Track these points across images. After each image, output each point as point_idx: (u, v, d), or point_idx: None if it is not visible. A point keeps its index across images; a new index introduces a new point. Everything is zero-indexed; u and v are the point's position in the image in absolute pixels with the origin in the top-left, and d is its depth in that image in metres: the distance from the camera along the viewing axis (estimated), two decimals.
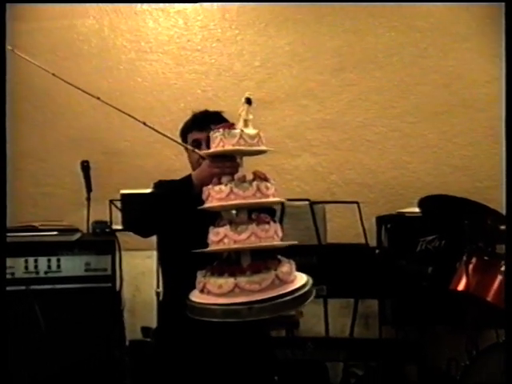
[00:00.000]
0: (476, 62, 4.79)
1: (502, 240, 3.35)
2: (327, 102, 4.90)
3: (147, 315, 4.42)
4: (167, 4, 4.97)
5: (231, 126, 2.05)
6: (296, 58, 4.90)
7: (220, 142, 2.04)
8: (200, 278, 2.07)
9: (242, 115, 2.06)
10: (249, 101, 2.07)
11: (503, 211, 3.36)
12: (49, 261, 3.85)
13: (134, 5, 4.95)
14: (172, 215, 2.24)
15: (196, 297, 2.06)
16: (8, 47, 2.55)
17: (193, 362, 2.36)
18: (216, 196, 2.02)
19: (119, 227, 3.98)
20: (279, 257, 2.14)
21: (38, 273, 3.83)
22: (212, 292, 2.00)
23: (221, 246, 2.01)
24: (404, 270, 3.96)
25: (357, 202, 3.99)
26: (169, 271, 2.56)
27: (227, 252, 2.11)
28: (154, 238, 4.04)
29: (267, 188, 2.03)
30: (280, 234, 2.06)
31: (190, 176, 2.25)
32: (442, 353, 4.16)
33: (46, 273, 3.85)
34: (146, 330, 4.16)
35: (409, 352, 3.86)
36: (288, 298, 1.98)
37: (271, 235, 2.01)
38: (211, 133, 2.09)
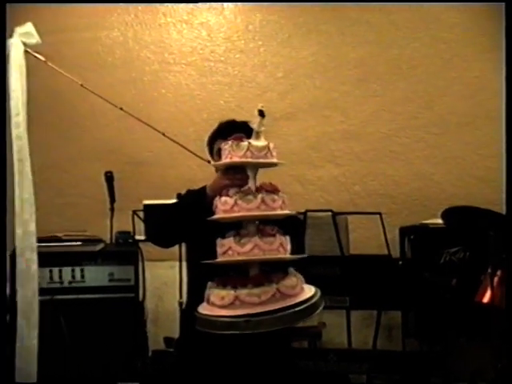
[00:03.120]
0: (500, 72, 4.62)
1: None
2: (350, 113, 4.89)
3: (170, 325, 4.38)
4: (191, 15, 5.02)
5: (240, 138, 2.05)
6: (319, 68, 4.93)
7: (228, 154, 2.05)
8: (207, 289, 2.09)
9: (254, 128, 2.06)
10: (261, 113, 2.05)
11: None
12: (73, 271, 3.89)
13: (157, 16, 5.01)
14: (186, 225, 2.26)
15: (202, 308, 2.08)
16: (40, 57, 2.57)
17: (213, 372, 2.35)
18: (221, 208, 2.04)
19: (142, 237, 4.00)
20: (290, 269, 2.11)
21: (62, 283, 3.88)
22: (215, 304, 2.01)
23: (225, 258, 2.01)
24: (427, 282, 3.95)
25: (379, 213, 3.99)
26: (189, 281, 2.60)
27: (229, 264, 2.11)
28: (176, 249, 4.21)
29: (273, 200, 2.02)
30: (287, 246, 2.05)
31: (205, 187, 2.28)
32: (466, 365, 4.08)
33: (70, 283, 3.89)
34: (168, 341, 4.16)
35: (432, 365, 3.82)
36: (289, 311, 1.96)
37: (275, 248, 2.00)
38: (222, 145, 2.11)
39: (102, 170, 4.39)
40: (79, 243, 3.99)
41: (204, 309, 2.06)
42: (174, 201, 3.59)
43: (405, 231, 4.26)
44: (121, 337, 3.81)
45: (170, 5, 5.01)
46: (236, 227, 2.10)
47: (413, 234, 4.18)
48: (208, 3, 5.00)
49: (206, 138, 2.55)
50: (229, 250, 1.99)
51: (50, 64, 2.49)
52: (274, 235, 2.01)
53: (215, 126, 2.57)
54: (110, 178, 4.28)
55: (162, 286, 4.63)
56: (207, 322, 2.01)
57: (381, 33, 4.88)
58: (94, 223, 4.53)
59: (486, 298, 3.44)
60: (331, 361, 3.65)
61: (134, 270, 3.94)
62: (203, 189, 2.26)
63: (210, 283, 2.09)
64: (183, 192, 2.57)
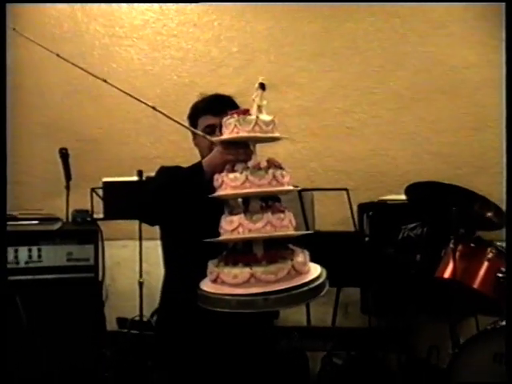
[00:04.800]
0: (455, 48, 4.73)
1: (488, 226, 3.49)
2: (306, 89, 4.82)
3: (123, 306, 4.39)
4: None
5: (246, 111, 1.99)
6: (274, 43, 4.82)
7: (234, 128, 1.99)
8: (212, 267, 2.02)
9: (256, 101, 2.01)
10: (262, 86, 2.03)
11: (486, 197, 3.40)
12: (29, 250, 3.80)
13: None
14: (183, 203, 2.19)
15: (208, 287, 2.01)
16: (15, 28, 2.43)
17: (197, 351, 2.34)
18: (230, 184, 1.97)
19: (101, 216, 3.92)
20: (291, 246, 2.09)
21: (18, 263, 3.77)
22: (226, 282, 1.94)
23: (235, 236, 1.95)
24: (391, 258, 3.94)
25: (346, 189, 3.92)
26: (174, 260, 2.48)
27: (237, 242, 2.06)
28: (132, 227, 4.12)
29: (283, 176, 1.98)
30: (294, 222, 2.02)
31: (200, 163, 2.19)
32: (424, 342, 4.12)
33: (26, 263, 3.79)
34: (122, 321, 4.14)
35: (390, 341, 3.86)
36: (304, 288, 1.94)
37: (286, 224, 1.97)
38: (224, 119, 2.04)
39: (51, 148, 4.29)
40: (36, 222, 3.90)
41: (211, 287, 1.99)
42: (134, 178, 3.62)
43: (363, 207, 4.26)
44: (80, 318, 3.75)
45: None
46: (219, 204, 2.06)
47: (371, 210, 4.18)
48: None
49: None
50: (239, 226, 1.93)
51: (22, 34, 2.35)
52: (283, 211, 1.98)
53: (192, 100, 2.54)
54: (64, 155, 4.17)
55: (114, 265, 4.54)
56: (219, 300, 1.94)
57: (336, 7, 4.79)
58: (47, 202, 4.43)
59: (448, 273, 3.44)
60: (295, 338, 3.61)
61: (94, 249, 3.87)
62: (199, 164, 2.18)
63: (213, 261, 2.03)
64: (161, 168, 2.47)
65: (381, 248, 3.99)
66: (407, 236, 4.04)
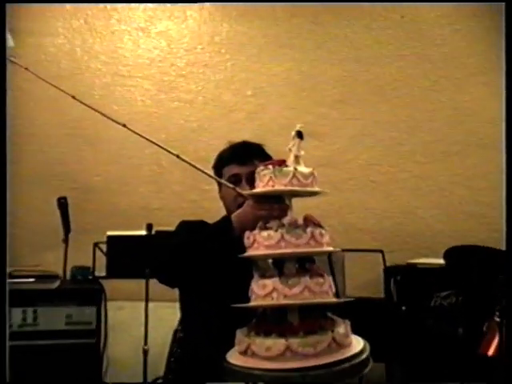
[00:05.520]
0: (493, 97, 4.39)
1: None
2: (327, 138, 4.49)
3: (121, 372, 4.03)
4: (149, 23, 4.57)
5: (282, 162, 1.87)
6: (292, 87, 4.55)
7: (269, 180, 1.87)
8: (242, 337, 1.86)
9: (293, 151, 1.89)
10: (300, 134, 1.91)
11: None
12: (24, 312, 3.48)
13: (110, 22, 4.54)
14: (209, 262, 2.05)
15: (237, 359, 1.84)
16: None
17: None
18: (264, 243, 1.84)
19: (103, 274, 3.66)
20: (330, 315, 1.93)
21: (11, 326, 3.43)
22: (258, 354, 1.79)
23: (268, 301, 1.81)
24: (430, 330, 3.70)
25: (381, 251, 3.77)
26: (196, 326, 2.33)
27: (269, 308, 1.92)
28: (124, 288, 3.70)
29: (321, 235, 1.85)
30: (334, 288, 1.89)
31: (228, 218, 2.05)
32: None
33: (20, 326, 3.46)
34: None
35: None
36: (346, 365, 1.76)
37: (326, 290, 1.83)
38: (258, 169, 1.91)
39: (46, 196, 4.00)
40: (31, 280, 3.66)
41: (240, 360, 1.83)
42: (141, 232, 3.40)
43: (390, 271, 4.00)
44: None
45: (125, 6, 4.50)
46: (247, 266, 1.94)
47: (399, 274, 3.94)
48: (169, 11, 4.53)
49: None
50: (273, 291, 1.80)
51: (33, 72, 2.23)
52: (322, 275, 1.85)
53: (220, 148, 2.38)
54: (63, 204, 3.83)
55: (109, 328, 4.08)
56: (249, 376, 1.78)
57: (361, 49, 4.54)
58: (43, 257, 4.07)
59: (491, 350, 3.16)
60: None
61: (97, 311, 3.55)
62: (227, 220, 2.05)
63: (242, 330, 1.88)
64: (181, 223, 2.33)
65: (415, 317, 3.76)
66: (440, 305, 3.81)
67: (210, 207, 4.26)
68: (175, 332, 2.99)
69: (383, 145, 4.50)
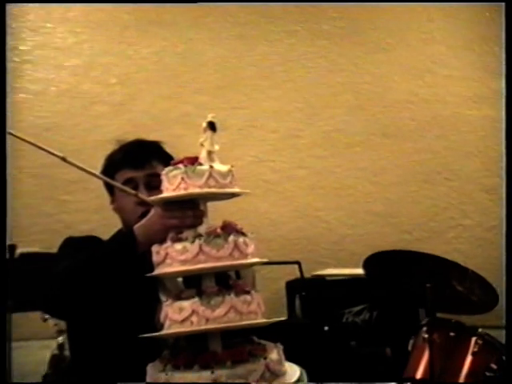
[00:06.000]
0: (400, 77, 4.17)
1: (470, 308, 3.04)
2: None
3: None
4: None
5: (195, 160, 1.73)
6: (165, 72, 4.14)
7: (181, 182, 1.72)
8: (155, 373, 1.72)
9: (206, 145, 1.75)
10: (212, 126, 1.76)
11: None
12: None
13: None
14: (108, 288, 1.86)
15: None
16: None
17: None
18: (178, 257, 1.69)
19: None
20: (256, 339, 1.83)
21: None
22: None
23: (187, 328, 1.68)
24: (353, 351, 3.56)
25: (298, 262, 3.53)
26: (92, 361, 2.11)
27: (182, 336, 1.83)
28: None
29: (246, 244, 1.72)
30: (263, 307, 1.77)
31: (129, 231, 1.86)
32: None
33: None
34: None
35: None
36: None
37: (254, 309, 1.72)
38: (165, 170, 1.75)
39: None
40: None
41: None
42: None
43: (292, 286, 3.80)
44: None
45: None
46: (163, 286, 1.81)
47: (303, 289, 3.73)
48: None
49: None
50: (192, 315, 1.66)
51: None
52: (249, 292, 1.73)
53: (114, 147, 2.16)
54: None
55: None
56: None
57: (246, 25, 4.15)
58: None
59: (420, 373, 2.91)
60: None
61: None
62: (128, 234, 1.86)
63: (154, 365, 1.74)
64: (66, 241, 2.12)
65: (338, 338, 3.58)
66: (352, 322, 3.66)
67: (72, 221, 3.80)
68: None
69: (276, 137, 4.17)
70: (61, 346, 3.28)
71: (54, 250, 2.07)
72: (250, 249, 1.74)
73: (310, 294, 3.67)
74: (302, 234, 4.12)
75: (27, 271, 2.86)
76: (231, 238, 1.70)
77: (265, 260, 1.78)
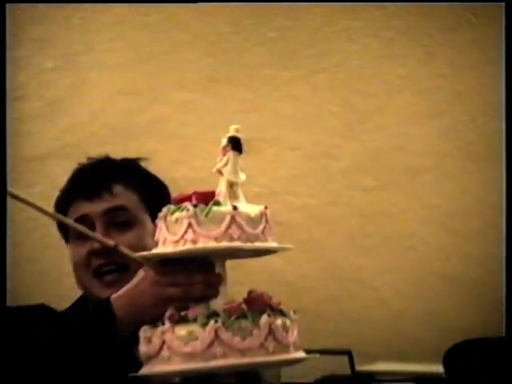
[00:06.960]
0: None
1: None
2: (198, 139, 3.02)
3: None
4: None
5: (210, 196, 1.24)
6: (128, 56, 3.03)
7: (188, 231, 1.22)
8: None
9: (226, 174, 1.24)
10: (236, 144, 1.26)
11: None
12: None
13: None
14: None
15: None
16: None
17: None
18: (182, 349, 1.24)
19: None
20: None
21: None
22: None
23: None
24: None
25: (349, 352, 2.72)
26: None
27: None
28: None
29: (286, 330, 1.25)
30: None
31: (105, 304, 1.35)
32: None
33: None
34: None
35: None
36: None
37: None
38: (164, 211, 1.27)
39: None
40: None
41: None
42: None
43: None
44: None
45: None
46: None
47: None
48: None
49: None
50: None
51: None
52: None
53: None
54: None
55: None
56: None
57: None
58: None
59: None
60: None
61: None
62: (103, 309, 1.34)
63: None
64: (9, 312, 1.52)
65: None
66: None
67: None
68: None
69: (297, 157, 2.99)
70: None
71: None
72: (293, 337, 1.31)
73: None
74: (335, 307, 2.92)
75: None
76: (264, 319, 1.26)
77: (315, 355, 1.36)
